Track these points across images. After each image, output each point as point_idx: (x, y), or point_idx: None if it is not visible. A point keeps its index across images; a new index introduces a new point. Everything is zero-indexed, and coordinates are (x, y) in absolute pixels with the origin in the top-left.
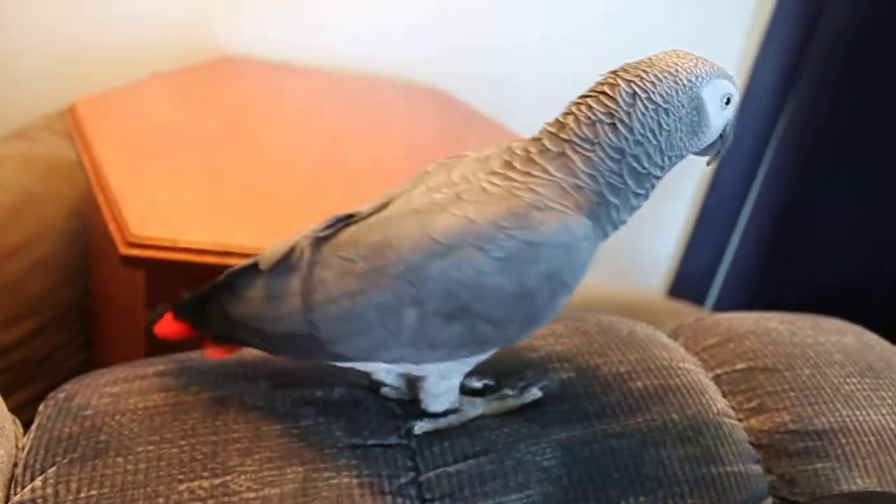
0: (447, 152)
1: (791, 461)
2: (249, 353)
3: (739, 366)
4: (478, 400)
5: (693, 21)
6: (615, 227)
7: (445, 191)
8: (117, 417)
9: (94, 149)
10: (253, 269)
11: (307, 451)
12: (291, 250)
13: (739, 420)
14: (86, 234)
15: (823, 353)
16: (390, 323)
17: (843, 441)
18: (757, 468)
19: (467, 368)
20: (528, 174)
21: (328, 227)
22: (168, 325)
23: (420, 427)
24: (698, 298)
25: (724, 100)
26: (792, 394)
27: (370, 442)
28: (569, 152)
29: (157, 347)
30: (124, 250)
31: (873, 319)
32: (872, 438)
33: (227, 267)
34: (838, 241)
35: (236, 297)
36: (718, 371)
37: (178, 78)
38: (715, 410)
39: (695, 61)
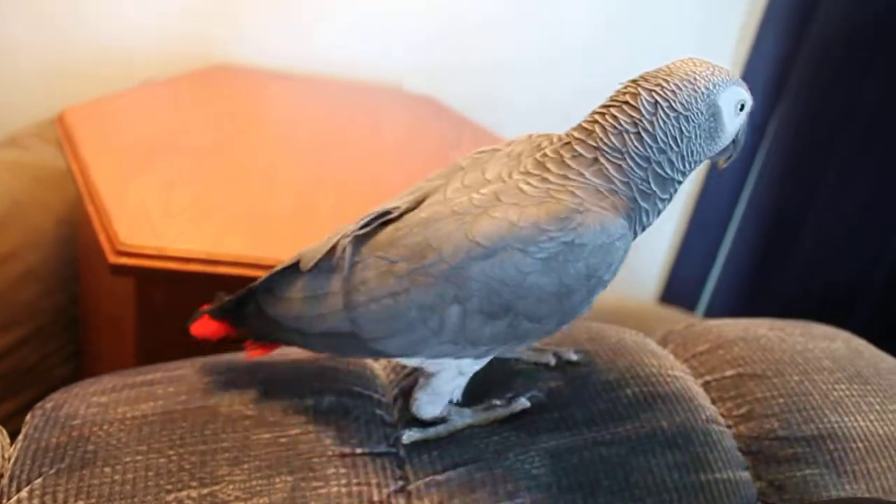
0: (440, 161)
1: (780, 467)
2: (240, 360)
3: (729, 372)
4: (466, 410)
5: (682, 33)
6: (643, 229)
7: (483, 191)
8: (105, 427)
9: (84, 157)
10: (292, 269)
11: (296, 460)
12: (331, 250)
13: (728, 427)
14: (75, 242)
15: (812, 360)
16: (433, 321)
17: (832, 447)
18: (746, 475)
19: (485, 362)
20: (566, 177)
21: (365, 225)
22: (205, 326)
23: (409, 436)
24: (690, 305)
25: (739, 106)
26: (781, 400)
27: (359, 451)
28: (601, 160)
29: (148, 356)
30: (113, 259)
31: (863, 324)
32: (860, 444)
33: (216, 276)
34: (828, 246)
35: (275, 297)
36: (708, 378)
37: (170, 86)
38: (704, 417)
39: (711, 69)
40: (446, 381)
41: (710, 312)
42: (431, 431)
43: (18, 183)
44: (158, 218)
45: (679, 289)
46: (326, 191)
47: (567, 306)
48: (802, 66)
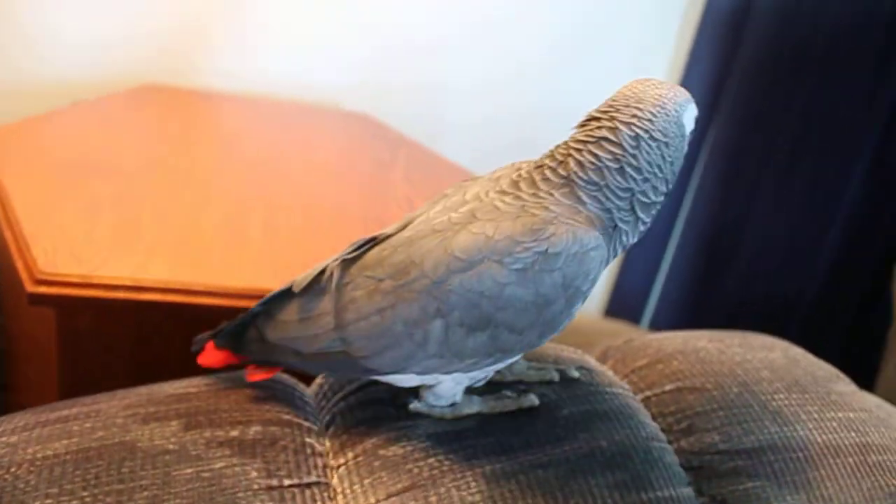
0: (375, 177)
1: (721, 482)
2: (161, 391)
3: (668, 387)
4: (475, 397)
5: (616, 54)
6: (623, 248)
7: (462, 210)
8: (13, 470)
9: (2, 181)
10: (287, 293)
11: (220, 495)
12: (321, 274)
13: (670, 442)
14: None
15: (751, 370)
16: (418, 335)
17: (772, 458)
18: (688, 491)
19: (483, 375)
20: (537, 195)
21: (355, 249)
22: (210, 356)
23: (414, 406)
24: (634, 317)
25: (693, 122)
26: (721, 413)
27: (287, 483)
28: (574, 188)
29: (74, 388)
30: (31, 288)
31: (801, 332)
32: (800, 454)
33: (142, 303)
34: (767, 255)
35: (273, 320)
36: (648, 393)
37: (99, 106)
38: (644, 434)
39: (671, 89)
40: (448, 388)
41: (655, 324)
42: (437, 411)
43: None
44: (81, 243)
45: (623, 302)
46: (256, 212)
47: (546, 317)
48: (735, 83)
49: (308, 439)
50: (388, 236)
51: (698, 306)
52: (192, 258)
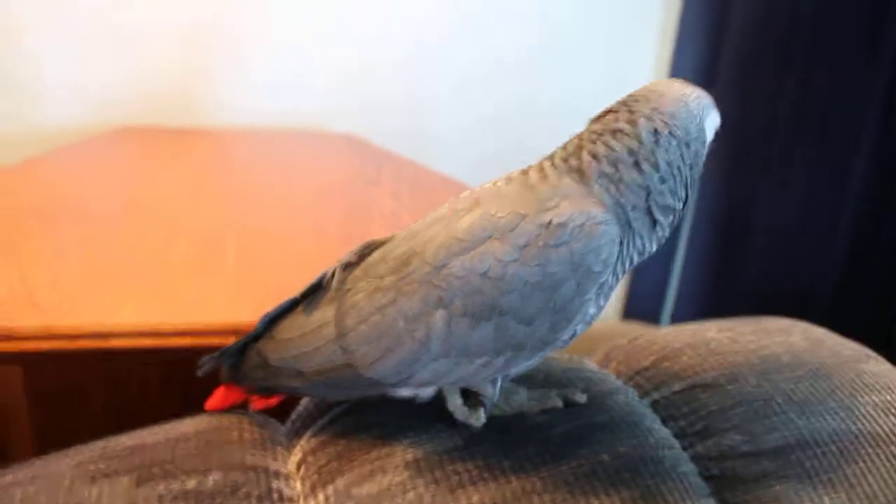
0: (358, 197)
1: (747, 488)
2: (116, 445)
3: (677, 386)
4: (521, 391)
5: (598, 50)
6: (641, 256)
7: (466, 199)
8: None
9: None
10: (288, 309)
11: None
12: (321, 282)
13: (685, 449)
14: None
15: (770, 358)
16: (420, 331)
17: (802, 455)
18: (709, 502)
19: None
20: (545, 178)
21: (358, 252)
22: (218, 399)
23: (481, 417)
24: (653, 317)
25: (715, 130)
26: (739, 409)
27: None
28: (586, 179)
29: (48, 446)
30: None
31: (828, 313)
32: (833, 447)
33: (109, 350)
34: (781, 239)
35: (273, 340)
36: (655, 395)
37: (74, 152)
38: (652, 443)
39: (694, 91)
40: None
41: (676, 322)
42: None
43: None
44: (44, 294)
45: (640, 303)
46: (230, 244)
47: (557, 303)
48: (725, 66)
49: (275, 483)
50: (393, 237)
51: (718, 299)
52: (162, 298)
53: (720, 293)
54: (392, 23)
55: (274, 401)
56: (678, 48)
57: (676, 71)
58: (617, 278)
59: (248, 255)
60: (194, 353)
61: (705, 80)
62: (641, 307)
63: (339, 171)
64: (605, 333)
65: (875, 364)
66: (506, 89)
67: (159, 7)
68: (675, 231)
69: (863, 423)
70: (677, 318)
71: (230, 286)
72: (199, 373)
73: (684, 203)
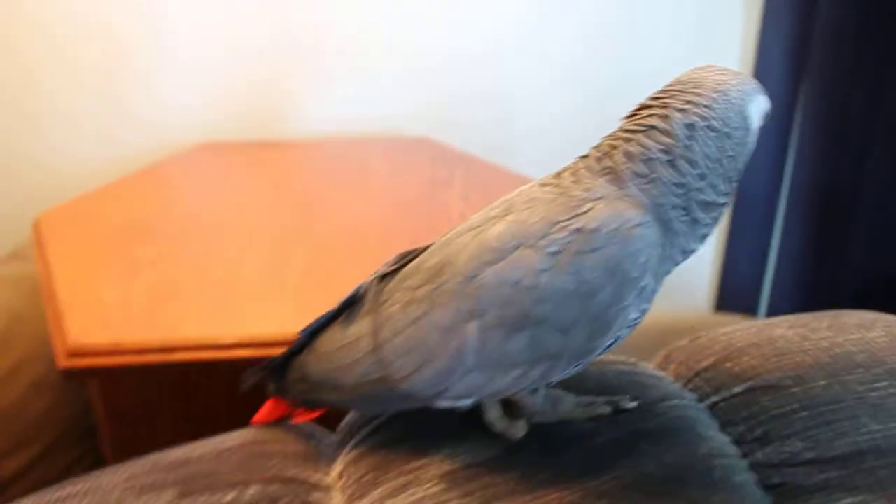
0: (431, 201)
1: (810, 499)
2: (165, 458)
3: (737, 389)
4: (568, 398)
5: (679, 31)
6: (685, 254)
7: (500, 206)
8: None
9: (48, 260)
10: (329, 321)
11: None
12: (357, 293)
13: (744, 456)
14: None
15: (842, 357)
16: (453, 343)
17: (876, 464)
18: None
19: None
20: (579, 181)
21: (393, 263)
22: (266, 413)
23: (521, 428)
24: (749, 308)
25: (763, 116)
26: (804, 413)
27: None
28: (621, 179)
29: (123, 455)
30: (64, 363)
31: None
32: None
33: (173, 363)
34: (883, 227)
35: (314, 353)
36: (715, 398)
37: (148, 174)
38: (704, 451)
39: (736, 76)
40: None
41: (773, 312)
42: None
43: (19, 296)
44: (114, 312)
45: (735, 293)
46: (297, 255)
47: (594, 310)
48: (819, 39)
49: (315, 495)
50: (429, 246)
51: (819, 286)
52: (225, 311)
53: (820, 281)
54: (468, 20)
55: (316, 414)
56: (767, 19)
57: (766, 42)
58: (660, 281)
59: (315, 266)
60: (257, 364)
61: (796, 53)
62: (737, 298)
63: (411, 176)
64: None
65: None
66: (590, 78)
67: (236, 28)
68: (771, 219)
69: None
70: (775, 307)
71: (295, 298)
72: (244, 387)
73: (727, 195)
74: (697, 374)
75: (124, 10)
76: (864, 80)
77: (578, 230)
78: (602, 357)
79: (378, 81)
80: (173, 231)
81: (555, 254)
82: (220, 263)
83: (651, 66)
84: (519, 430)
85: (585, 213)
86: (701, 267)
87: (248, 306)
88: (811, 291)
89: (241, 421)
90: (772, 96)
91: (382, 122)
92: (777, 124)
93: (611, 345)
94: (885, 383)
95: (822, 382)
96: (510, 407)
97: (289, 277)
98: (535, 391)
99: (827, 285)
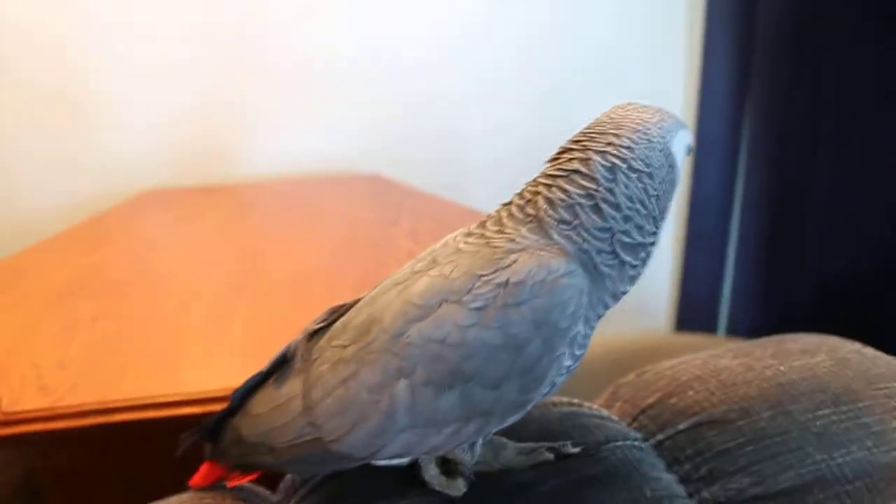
0: (377, 240)
1: None
2: None
3: (682, 425)
4: (508, 446)
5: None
6: (615, 298)
7: (425, 258)
8: None
9: None
10: (261, 381)
11: None
12: (287, 352)
13: (690, 496)
14: None
15: (786, 386)
16: (383, 403)
17: (821, 496)
18: None
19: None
20: (502, 231)
21: (322, 320)
22: (202, 476)
23: (460, 485)
24: (708, 327)
25: (686, 150)
26: (749, 448)
27: None
28: (545, 227)
29: None
30: None
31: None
32: (859, 484)
33: (114, 426)
34: (838, 232)
35: (247, 415)
36: (660, 436)
37: (90, 226)
38: (650, 495)
39: (656, 114)
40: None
41: (733, 329)
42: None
43: None
44: (51, 373)
45: (693, 312)
46: (241, 304)
47: (524, 364)
48: (761, 56)
49: None
50: (357, 301)
51: (777, 300)
52: (168, 367)
53: (776, 291)
54: (419, 59)
55: (253, 476)
56: (707, 42)
57: (709, 56)
58: (591, 326)
59: (260, 317)
60: (201, 421)
61: (739, 71)
62: (696, 315)
63: (359, 215)
64: (659, 348)
65: None
66: (539, 117)
67: (182, 71)
68: (725, 234)
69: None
70: (734, 322)
71: (240, 350)
72: (178, 451)
73: (655, 235)
74: (643, 412)
75: (66, 58)
76: (806, 89)
77: (503, 284)
78: (546, 399)
79: (327, 119)
80: (115, 285)
81: (480, 309)
82: (163, 317)
83: (608, 104)
84: (459, 486)
85: (509, 266)
86: (659, 286)
87: (191, 361)
88: (768, 302)
89: (186, 481)
90: (718, 114)
91: (333, 160)
92: (724, 141)
93: (547, 392)
94: (828, 410)
95: (767, 414)
96: (449, 462)
97: (234, 329)
98: (473, 445)
99: (783, 295)
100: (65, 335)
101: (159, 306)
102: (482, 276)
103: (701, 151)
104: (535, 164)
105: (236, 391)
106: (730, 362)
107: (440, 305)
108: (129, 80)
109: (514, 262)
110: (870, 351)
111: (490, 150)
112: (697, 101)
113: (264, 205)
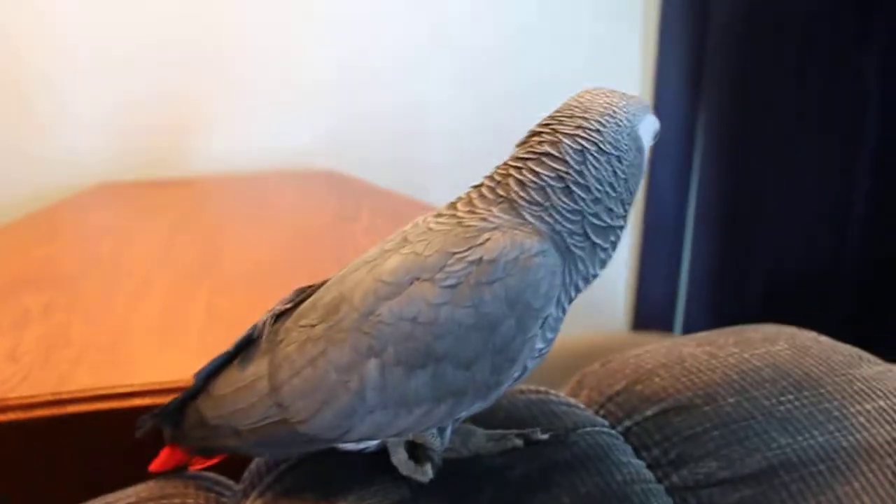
0: (335, 236)
1: None
2: None
3: (649, 411)
4: (477, 433)
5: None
6: (586, 281)
7: (394, 237)
8: None
9: None
10: (225, 363)
11: None
12: (252, 333)
13: (659, 480)
14: None
15: (749, 373)
16: (353, 382)
17: (787, 479)
18: None
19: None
20: (473, 212)
21: (289, 300)
22: (162, 460)
23: (428, 471)
24: (665, 325)
25: (653, 135)
26: (716, 433)
27: None
28: (516, 208)
29: None
30: None
31: (846, 299)
32: (822, 466)
33: (66, 417)
34: (789, 228)
35: (211, 397)
36: (627, 423)
37: (40, 217)
38: (620, 479)
39: (623, 98)
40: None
41: (689, 327)
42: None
43: None
44: (1, 364)
45: (650, 311)
46: (199, 296)
47: (496, 344)
48: (712, 59)
49: None
50: (326, 281)
51: (732, 298)
52: (121, 358)
53: (731, 290)
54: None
55: (214, 461)
56: (662, 35)
57: (664, 60)
58: (564, 309)
59: (217, 307)
60: None
61: (692, 74)
62: (652, 315)
63: (316, 209)
64: (616, 347)
65: (868, 367)
66: (496, 118)
67: (135, 64)
68: (680, 234)
69: (855, 436)
70: (690, 320)
71: (197, 340)
72: (137, 434)
73: (623, 218)
74: (610, 399)
75: (17, 49)
76: (754, 96)
77: (476, 261)
78: (513, 387)
79: (283, 114)
80: (66, 276)
81: (452, 287)
82: (116, 308)
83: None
84: (427, 472)
85: (482, 244)
86: (616, 286)
87: (144, 353)
88: (724, 301)
89: (143, 472)
90: (672, 118)
91: (289, 156)
92: (679, 144)
93: (519, 377)
94: (791, 396)
95: (732, 400)
96: (418, 447)
97: (191, 320)
98: (442, 429)
99: (738, 293)
100: (16, 327)
101: (112, 298)
102: (455, 253)
103: (655, 154)
104: (494, 165)
105: (199, 372)
106: (694, 350)
107: (412, 283)
108: (81, 72)
109: (488, 240)
110: (826, 339)
111: (449, 150)
112: (652, 104)
113: (220, 200)
